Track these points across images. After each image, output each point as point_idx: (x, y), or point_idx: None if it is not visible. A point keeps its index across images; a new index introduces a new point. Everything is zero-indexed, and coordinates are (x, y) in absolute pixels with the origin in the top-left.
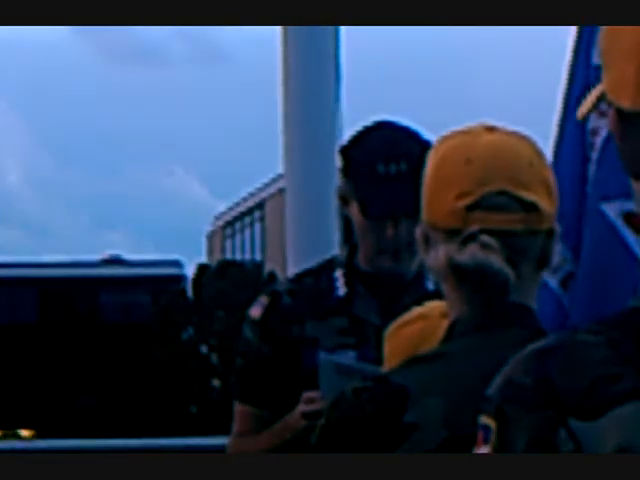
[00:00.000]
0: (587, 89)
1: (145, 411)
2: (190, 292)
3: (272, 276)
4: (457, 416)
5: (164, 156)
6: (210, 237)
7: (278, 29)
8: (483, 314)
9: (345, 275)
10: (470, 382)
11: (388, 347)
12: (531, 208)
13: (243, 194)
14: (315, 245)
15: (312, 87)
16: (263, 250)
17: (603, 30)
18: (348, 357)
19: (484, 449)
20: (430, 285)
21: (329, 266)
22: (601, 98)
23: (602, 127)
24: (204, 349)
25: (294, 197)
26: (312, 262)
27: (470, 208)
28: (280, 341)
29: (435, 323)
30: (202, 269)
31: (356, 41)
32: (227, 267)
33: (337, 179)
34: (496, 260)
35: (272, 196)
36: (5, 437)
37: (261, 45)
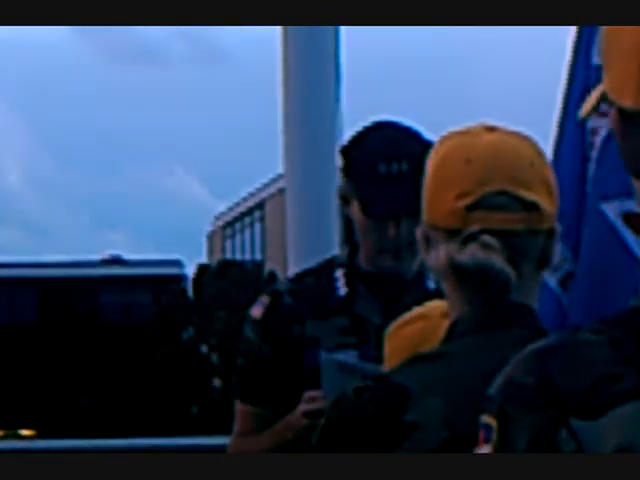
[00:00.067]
0: (587, 89)
1: (145, 411)
2: (190, 292)
3: (272, 276)
4: (458, 416)
5: (164, 156)
6: (210, 237)
7: (278, 29)
8: (484, 314)
9: (346, 275)
10: (471, 382)
11: (388, 347)
12: (532, 208)
13: (243, 194)
14: (315, 245)
15: (312, 87)
16: (263, 250)
17: (603, 30)
18: (350, 356)
19: (485, 448)
20: (431, 285)
21: (330, 266)
22: (602, 98)
23: (602, 126)
24: (205, 349)
25: (294, 197)
26: (312, 262)
27: (470, 208)
28: (281, 341)
29: (436, 323)
30: (202, 269)
31: (356, 41)
32: (227, 267)
33: (337, 179)
34: (497, 260)
35: (272, 196)
36: (6, 437)
37: (261, 45)
